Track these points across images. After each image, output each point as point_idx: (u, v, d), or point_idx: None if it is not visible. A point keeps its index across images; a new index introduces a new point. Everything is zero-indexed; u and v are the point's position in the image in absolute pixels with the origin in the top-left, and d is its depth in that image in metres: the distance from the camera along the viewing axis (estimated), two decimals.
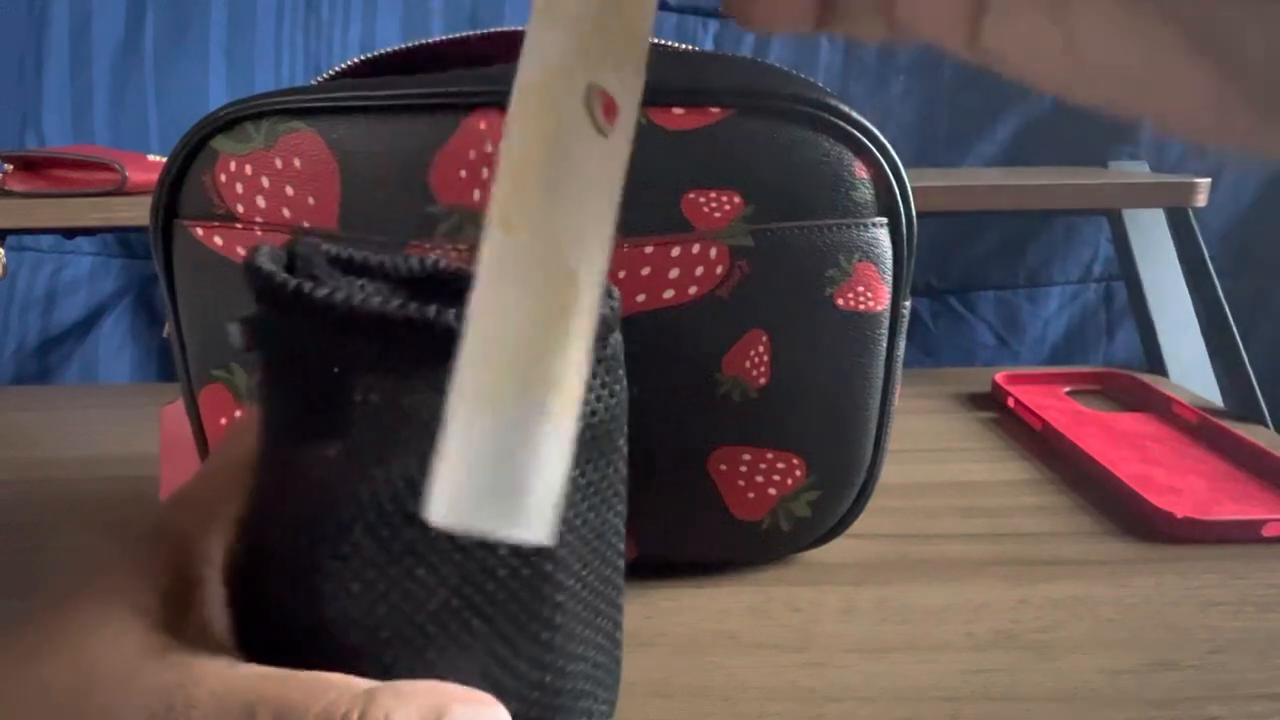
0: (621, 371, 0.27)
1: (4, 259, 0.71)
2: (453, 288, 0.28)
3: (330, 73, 0.39)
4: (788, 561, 0.41)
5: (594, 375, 0.26)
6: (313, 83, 0.38)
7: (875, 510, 0.41)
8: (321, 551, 0.23)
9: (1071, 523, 0.44)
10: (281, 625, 0.24)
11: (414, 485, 0.23)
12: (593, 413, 0.26)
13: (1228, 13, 0.14)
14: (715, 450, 0.37)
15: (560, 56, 0.13)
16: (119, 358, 0.91)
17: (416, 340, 0.23)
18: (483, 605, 0.24)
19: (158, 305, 0.92)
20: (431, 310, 0.22)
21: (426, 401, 0.22)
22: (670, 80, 0.34)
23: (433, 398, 0.21)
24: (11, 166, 0.73)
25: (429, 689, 0.22)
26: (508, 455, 0.14)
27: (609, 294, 0.26)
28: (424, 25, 0.92)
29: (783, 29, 0.17)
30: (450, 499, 0.14)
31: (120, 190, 0.71)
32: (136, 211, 0.71)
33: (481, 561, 0.24)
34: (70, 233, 0.84)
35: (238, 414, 0.37)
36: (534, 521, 0.14)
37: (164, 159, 0.85)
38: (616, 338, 0.27)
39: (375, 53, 0.40)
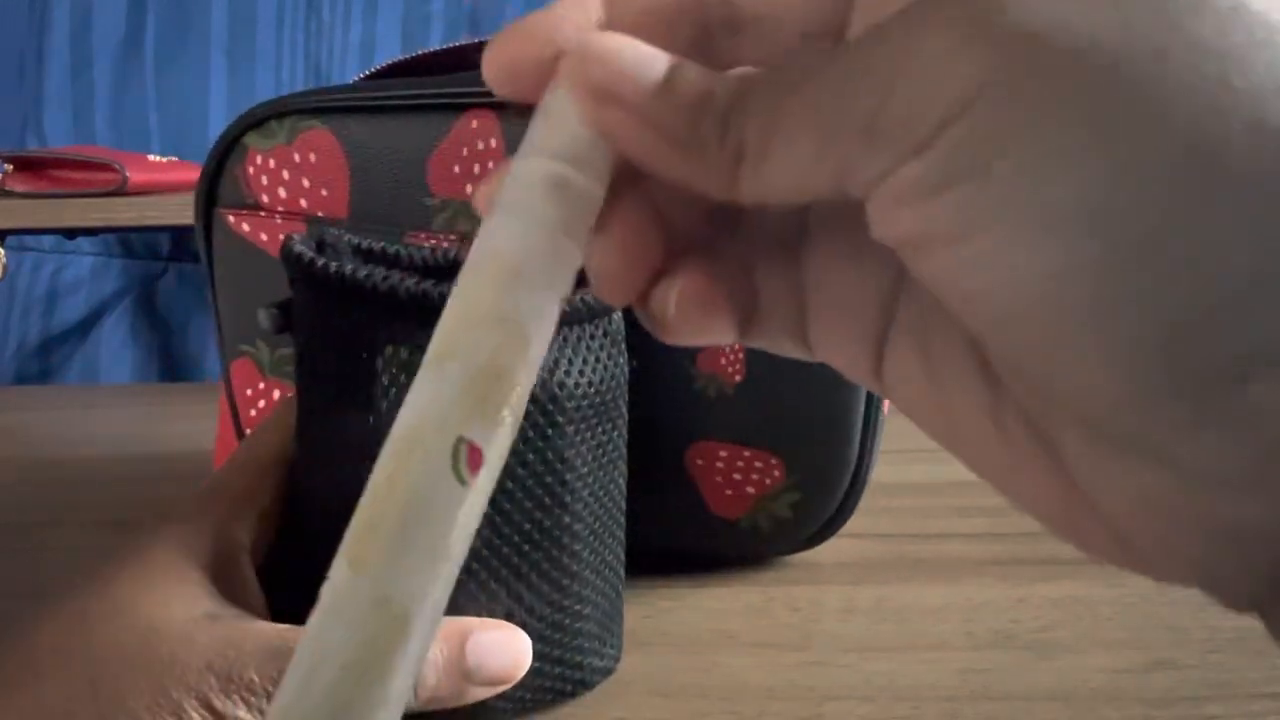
0: (623, 346, 0.30)
1: (4, 259, 0.71)
2: None
3: (368, 72, 0.43)
4: (787, 561, 0.41)
5: (600, 349, 0.29)
6: (352, 81, 0.42)
7: (874, 510, 0.41)
8: (351, 506, 0.25)
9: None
10: (317, 577, 0.26)
11: None
12: (601, 381, 0.29)
13: (1091, 459, 0.14)
14: (692, 445, 0.38)
15: (437, 408, 0.14)
16: (119, 358, 0.91)
17: (433, 314, 0.24)
18: (509, 555, 0.27)
19: (158, 305, 0.93)
20: (447, 288, 0.24)
21: None
22: None
23: None
24: (12, 166, 0.73)
25: (453, 620, 0.26)
26: None
27: None
28: (424, 26, 0.92)
29: (704, 341, 0.18)
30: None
31: (121, 190, 0.71)
32: (137, 211, 0.71)
33: (508, 515, 0.27)
34: (71, 233, 0.84)
35: (262, 386, 0.40)
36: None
37: (165, 159, 0.85)
38: (618, 316, 0.30)
39: (413, 54, 0.43)
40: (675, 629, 0.32)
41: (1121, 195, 0.12)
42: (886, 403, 0.38)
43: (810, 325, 0.18)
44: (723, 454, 0.38)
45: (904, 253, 0.14)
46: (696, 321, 0.17)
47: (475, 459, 0.14)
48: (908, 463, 0.49)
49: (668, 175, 0.15)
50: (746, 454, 0.38)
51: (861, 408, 0.37)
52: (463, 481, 0.14)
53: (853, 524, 0.41)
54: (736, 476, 0.38)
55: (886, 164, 0.13)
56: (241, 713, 0.23)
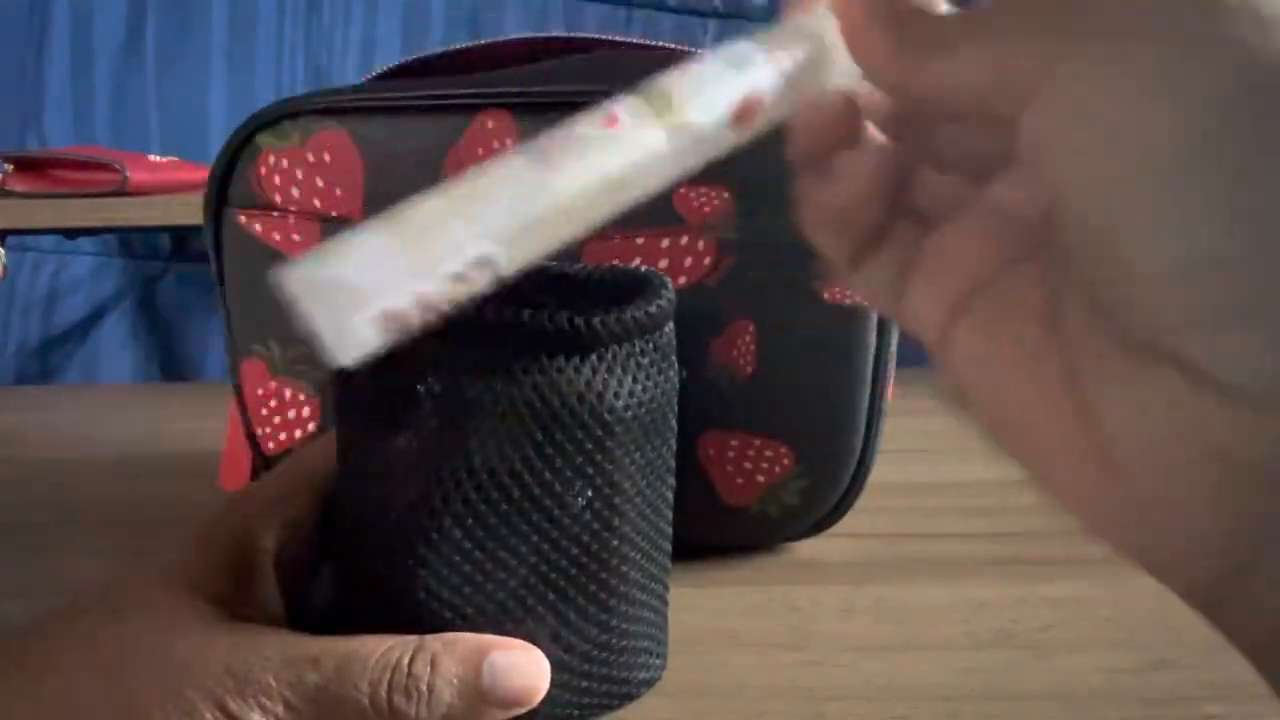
0: (673, 358, 0.30)
1: (4, 259, 0.71)
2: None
3: (375, 73, 0.43)
4: (787, 561, 0.41)
5: (650, 364, 0.28)
6: (360, 82, 0.42)
7: (874, 510, 0.41)
8: (413, 540, 0.26)
9: (1070, 522, 0.44)
10: (370, 606, 0.27)
11: (495, 474, 0.25)
12: (650, 399, 0.28)
13: (1109, 383, 0.16)
14: (703, 435, 0.38)
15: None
16: (119, 358, 0.91)
17: (474, 336, 0.25)
18: (556, 579, 0.27)
19: (158, 306, 0.93)
20: (489, 309, 0.24)
21: (488, 391, 0.25)
22: None
23: (491, 388, 0.25)
24: (12, 166, 0.73)
25: (473, 638, 0.26)
26: (374, 284, 0.17)
27: (664, 285, 0.28)
28: (424, 26, 0.92)
29: (823, 245, 0.22)
30: (304, 271, 0.17)
31: (121, 191, 0.71)
32: (137, 212, 0.71)
33: (556, 541, 0.27)
34: (71, 233, 0.84)
35: (273, 385, 0.40)
36: (345, 341, 0.17)
37: (165, 159, 0.85)
38: (669, 328, 0.29)
39: (418, 56, 0.44)
40: (675, 629, 0.32)
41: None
42: (889, 392, 0.39)
43: (910, 285, 0.20)
44: (734, 443, 0.38)
45: (1039, 159, 0.17)
46: (874, 182, 0.20)
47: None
48: (908, 463, 0.49)
49: (863, 48, 0.19)
50: (757, 443, 0.38)
51: (867, 395, 0.38)
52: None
53: (853, 524, 0.41)
54: (747, 465, 0.39)
55: (1050, 68, 0.16)
56: (256, 716, 0.23)
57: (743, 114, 0.20)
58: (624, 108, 0.19)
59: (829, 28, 0.20)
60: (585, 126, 0.19)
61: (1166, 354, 0.15)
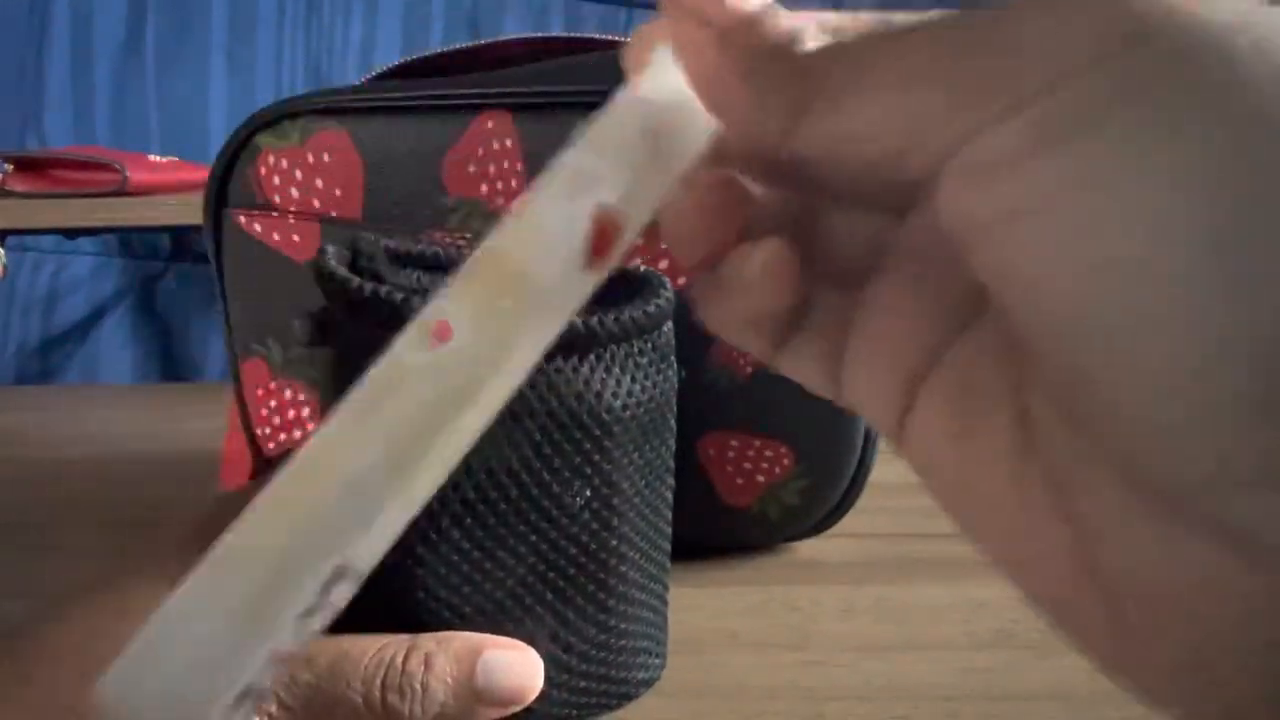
0: (672, 358, 0.30)
1: (4, 259, 0.71)
2: None
3: (375, 73, 0.43)
4: (787, 561, 0.41)
5: (649, 364, 0.28)
6: (359, 82, 0.42)
7: (875, 510, 0.41)
8: (412, 539, 0.25)
9: None
10: (369, 607, 0.26)
11: (493, 474, 0.26)
12: (649, 398, 0.28)
13: (1111, 515, 0.13)
14: (703, 435, 0.38)
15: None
16: (119, 358, 0.91)
17: None
18: (555, 579, 0.27)
19: (158, 305, 0.93)
20: None
21: None
22: None
23: None
24: (12, 166, 0.73)
25: (467, 637, 0.25)
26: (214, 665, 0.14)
27: (663, 285, 0.28)
28: (424, 26, 0.92)
29: (737, 343, 0.18)
30: (121, 686, 0.14)
31: (121, 191, 0.71)
32: (137, 212, 0.71)
33: (554, 541, 0.27)
34: (71, 233, 0.84)
35: (273, 385, 0.40)
36: None
37: (165, 159, 0.85)
38: (668, 328, 0.29)
39: (418, 55, 0.43)
40: (675, 629, 0.32)
41: (1244, 164, 0.11)
42: None
43: (849, 357, 0.17)
44: (734, 443, 0.38)
45: (970, 236, 0.13)
46: (772, 289, 0.16)
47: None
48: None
49: (719, 105, 0.15)
50: (757, 443, 0.38)
51: None
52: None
53: (853, 524, 0.41)
54: (747, 465, 0.39)
55: (975, 121, 0.12)
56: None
57: (599, 249, 0.15)
58: (451, 303, 0.15)
59: (675, 77, 0.16)
60: (411, 353, 0.15)
61: (1182, 504, 0.12)
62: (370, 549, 0.15)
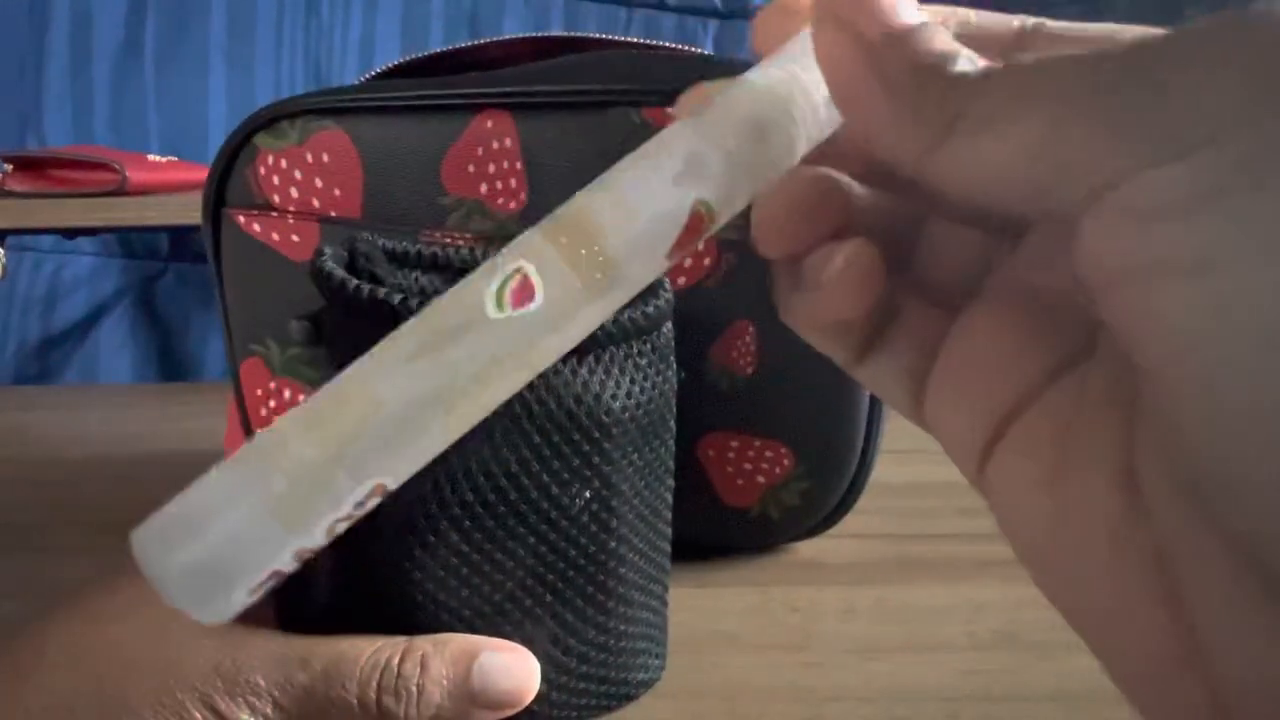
0: (672, 359, 0.30)
1: (4, 259, 0.71)
2: None
3: (374, 72, 0.43)
4: (787, 561, 0.41)
5: (649, 365, 0.28)
6: (357, 82, 0.42)
7: (875, 510, 0.41)
8: (410, 542, 0.26)
9: None
10: (368, 609, 0.26)
11: (492, 476, 0.25)
12: (649, 399, 0.28)
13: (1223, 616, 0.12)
14: (704, 436, 0.38)
15: None
16: (119, 358, 0.91)
17: None
18: (554, 581, 0.27)
19: (158, 305, 0.92)
20: None
21: None
22: (663, 81, 0.35)
23: None
24: (12, 166, 0.73)
25: (463, 639, 0.26)
26: (248, 541, 0.15)
27: (662, 287, 0.28)
28: (424, 26, 0.92)
29: (818, 346, 0.17)
30: (160, 548, 0.15)
31: (121, 190, 0.71)
32: (137, 212, 0.71)
33: (553, 543, 0.27)
34: (70, 233, 0.84)
35: (272, 385, 0.40)
36: (212, 612, 0.15)
37: (165, 159, 0.85)
38: (667, 328, 0.29)
39: (417, 55, 0.44)
40: (675, 629, 0.32)
41: None
42: None
43: (936, 378, 0.16)
44: (734, 444, 0.38)
45: (1112, 280, 0.12)
46: (850, 293, 0.15)
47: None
48: (908, 463, 0.49)
49: (859, 117, 0.14)
50: (757, 444, 0.38)
51: (867, 396, 0.38)
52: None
53: (853, 524, 0.41)
54: (747, 466, 0.39)
55: (1130, 165, 0.11)
56: (245, 715, 0.23)
57: (684, 240, 0.15)
58: (535, 263, 0.15)
59: (800, 73, 0.16)
60: (490, 305, 0.15)
61: None
62: (406, 474, 0.15)
